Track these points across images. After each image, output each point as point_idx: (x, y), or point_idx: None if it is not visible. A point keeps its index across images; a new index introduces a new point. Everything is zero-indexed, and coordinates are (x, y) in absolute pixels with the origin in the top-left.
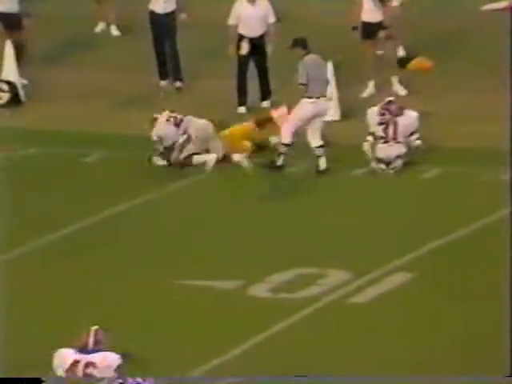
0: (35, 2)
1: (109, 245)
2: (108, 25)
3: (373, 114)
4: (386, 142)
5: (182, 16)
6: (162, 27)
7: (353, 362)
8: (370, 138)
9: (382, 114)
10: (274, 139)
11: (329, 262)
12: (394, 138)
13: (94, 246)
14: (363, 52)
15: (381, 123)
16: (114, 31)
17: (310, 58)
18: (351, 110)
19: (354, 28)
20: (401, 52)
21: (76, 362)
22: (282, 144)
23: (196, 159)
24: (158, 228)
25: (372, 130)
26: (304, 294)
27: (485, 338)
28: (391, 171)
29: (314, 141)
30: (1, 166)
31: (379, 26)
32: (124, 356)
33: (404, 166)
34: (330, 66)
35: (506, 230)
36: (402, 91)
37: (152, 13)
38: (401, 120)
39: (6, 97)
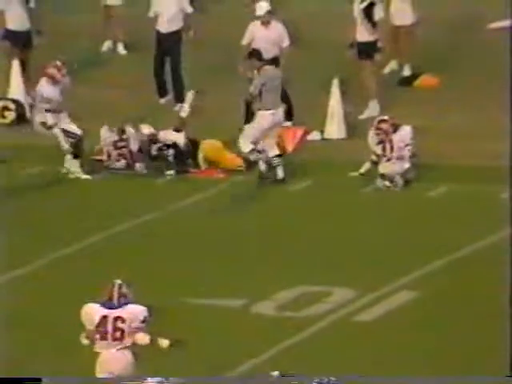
0: (42, 20)
1: (114, 262)
2: (115, 43)
3: (372, 134)
4: (388, 159)
5: (190, 34)
6: (165, 46)
7: (358, 380)
8: (373, 158)
9: (377, 134)
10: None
11: (334, 280)
12: (391, 154)
13: (98, 264)
14: (359, 72)
15: (379, 142)
16: (121, 49)
17: (267, 69)
18: (357, 128)
19: (351, 46)
20: (407, 71)
21: (104, 318)
22: (248, 152)
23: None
24: (162, 246)
25: (373, 149)
26: (309, 312)
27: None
28: (395, 188)
29: (272, 151)
30: (7, 184)
31: (373, 45)
32: (149, 309)
33: (409, 184)
34: (335, 82)
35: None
36: (374, 113)
37: (157, 32)
38: (395, 137)
39: (12, 115)
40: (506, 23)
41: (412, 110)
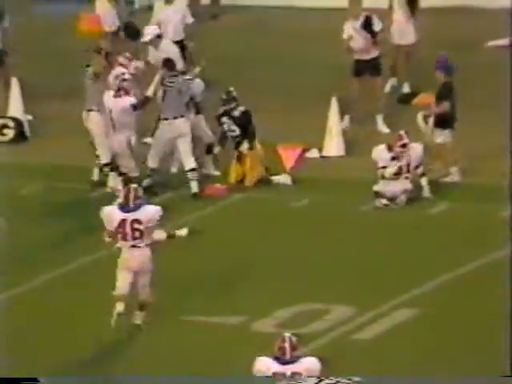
0: (44, 35)
1: (114, 280)
2: None
3: (381, 151)
4: (397, 177)
5: (191, 45)
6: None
7: None
8: (385, 174)
9: (396, 147)
10: (276, 178)
11: (333, 298)
12: (408, 171)
13: (100, 281)
14: (351, 89)
15: (393, 158)
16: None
17: (174, 79)
18: (356, 145)
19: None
20: (406, 88)
21: (123, 221)
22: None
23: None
24: (161, 264)
25: (381, 165)
26: (308, 330)
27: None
28: (395, 206)
29: (185, 164)
30: (6, 202)
31: (371, 63)
32: (162, 208)
33: (410, 201)
34: (334, 101)
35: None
36: (385, 129)
37: None
38: (410, 154)
39: (11, 133)
40: (504, 41)
41: (411, 127)
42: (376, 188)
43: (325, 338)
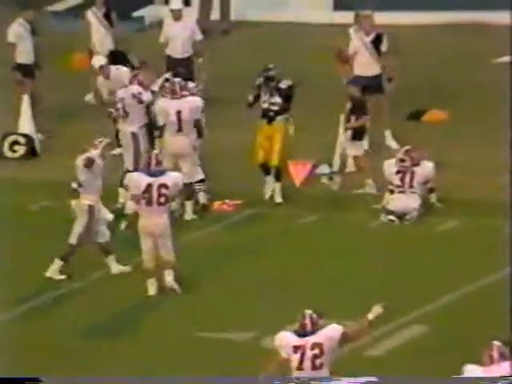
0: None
1: (124, 298)
2: None
3: (389, 165)
4: (401, 191)
5: (199, 61)
6: (176, 72)
7: None
8: (391, 187)
9: (402, 161)
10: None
11: (344, 314)
12: (411, 187)
13: (111, 296)
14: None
15: (398, 172)
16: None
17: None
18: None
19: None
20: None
21: (149, 186)
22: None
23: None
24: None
25: (389, 179)
26: None
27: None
28: (405, 223)
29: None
30: (15, 217)
31: (377, 79)
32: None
33: (419, 218)
34: (341, 118)
35: None
36: (395, 145)
37: (169, 58)
38: (418, 170)
39: (22, 150)
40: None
41: (419, 144)
42: (384, 204)
43: (336, 353)
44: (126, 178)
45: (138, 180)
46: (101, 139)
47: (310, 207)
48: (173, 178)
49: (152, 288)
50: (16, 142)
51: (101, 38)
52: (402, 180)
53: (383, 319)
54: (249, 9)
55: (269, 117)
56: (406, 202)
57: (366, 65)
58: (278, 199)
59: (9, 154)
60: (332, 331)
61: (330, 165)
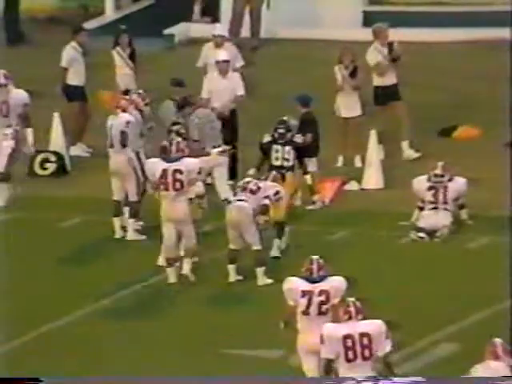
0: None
1: (151, 315)
2: None
3: (420, 181)
4: (435, 207)
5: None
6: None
7: None
8: (420, 204)
9: (439, 176)
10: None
11: None
12: (445, 203)
13: (138, 313)
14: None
15: (430, 188)
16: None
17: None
18: (394, 178)
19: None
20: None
21: (164, 171)
22: None
23: None
24: (198, 296)
25: (419, 195)
26: None
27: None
28: (436, 240)
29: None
30: (45, 235)
31: (391, 88)
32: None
33: (449, 235)
34: (373, 133)
35: None
36: (414, 154)
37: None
38: (450, 185)
39: (52, 167)
40: None
41: (450, 160)
42: (414, 220)
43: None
44: (145, 166)
45: (154, 166)
46: None
47: (339, 223)
48: (188, 164)
49: (172, 276)
50: (46, 160)
51: (124, 77)
52: (435, 196)
53: (412, 337)
54: (279, 26)
55: (281, 174)
56: (438, 218)
57: (384, 75)
58: (275, 253)
59: (39, 171)
60: (339, 283)
61: (359, 181)
